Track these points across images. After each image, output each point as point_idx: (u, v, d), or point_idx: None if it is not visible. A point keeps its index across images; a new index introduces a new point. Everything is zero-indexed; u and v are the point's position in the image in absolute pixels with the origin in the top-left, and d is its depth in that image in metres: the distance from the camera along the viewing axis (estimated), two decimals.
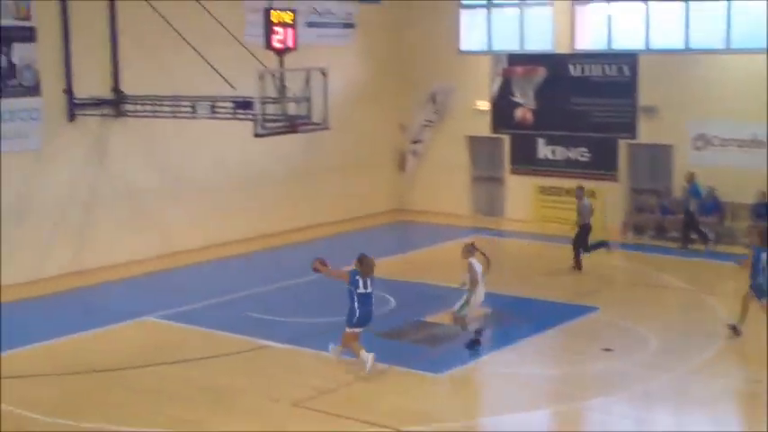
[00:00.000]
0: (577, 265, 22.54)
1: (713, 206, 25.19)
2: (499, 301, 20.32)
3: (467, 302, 16.68)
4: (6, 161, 21.29)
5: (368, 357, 15.39)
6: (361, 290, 15.58)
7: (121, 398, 14.83)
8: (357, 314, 15.56)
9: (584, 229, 22.64)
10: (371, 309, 15.78)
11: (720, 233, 25.23)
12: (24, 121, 21.65)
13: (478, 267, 16.65)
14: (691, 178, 24.83)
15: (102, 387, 15.31)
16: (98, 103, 22.79)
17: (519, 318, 19.28)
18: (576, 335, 17.92)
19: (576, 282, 21.54)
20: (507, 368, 16.03)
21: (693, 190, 24.75)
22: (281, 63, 20.32)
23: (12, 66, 21.36)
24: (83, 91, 22.48)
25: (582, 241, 22.62)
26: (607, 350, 16.67)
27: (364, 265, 15.66)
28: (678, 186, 25.69)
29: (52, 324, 18.87)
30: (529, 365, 16.23)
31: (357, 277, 15.61)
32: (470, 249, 16.88)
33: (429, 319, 18.61)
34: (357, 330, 15.72)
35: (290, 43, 20.38)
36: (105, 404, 14.61)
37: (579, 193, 22.98)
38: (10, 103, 21.33)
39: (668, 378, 15.38)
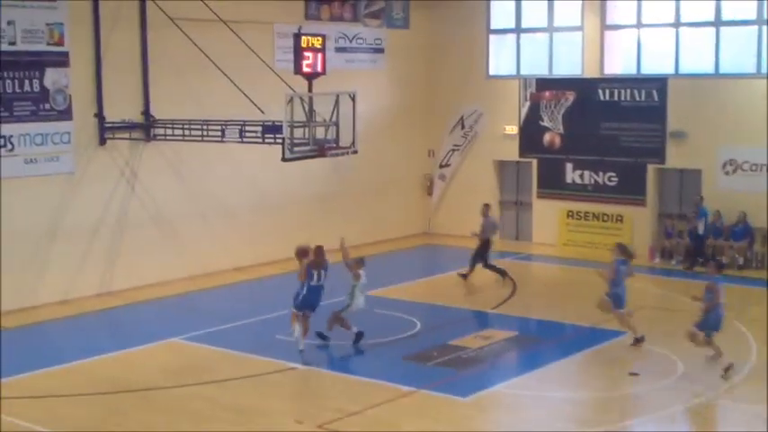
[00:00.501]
0: (465, 276, 23.76)
1: (743, 231, 25.08)
2: (526, 325, 20.42)
3: (347, 307, 18.40)
4: (39, 184, 21.55)
5: (296, 330, 17.59)
6: (313, 282, 17.58)
7: (148, 418, 14.94)
8: (300, 299, 17.63)
9: (485, 244, 23.78)
10: (318, 299, 17.79)
11: (750, 258, 25.15)
12: (56, 144, 21.91)
13: (363, 278, 18.37)
14: (699, 202, 25.32)
15: (129, 407, 15.42)
16: (128, 126, 23.06)
17: (546, 342, 19.28)
18: (603, 359, 17.86)
19: None
20: (533, 392, 16.00)
21: (701, 213, 25.09)
22: (310, 87, 20.44)
23: (44, 90, 21.64)
24: (114, 115, 22.74)
25: (480, 255, 23.69)
26: (633, 374, 16.62)
27: (316, 255, 17.76)
28: (708, 211, 25.61)
29: (81, 344, 19.05)
30: (555, 389, 16.19)
31: (312, 270, 17.57)
32: (359, 262, 18.61)
33: (455, 342, 18.60)
34: (298, 312, 17.71)
35: (319, 68, 20.49)
36: (132, 423, 14.72)
37: (485, 210, 24.22)
38: (42, 127, 21.60)
39: (695, 403, 15.31)
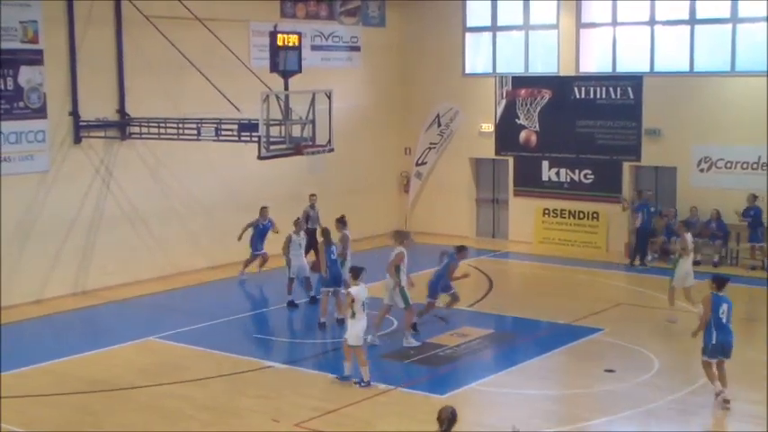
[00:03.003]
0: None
1: (717, 229, 25.16)
2: (503, 323, 20.43)
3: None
4: (13, 183, 21.40)
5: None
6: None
7: (125, 418, 14.87)
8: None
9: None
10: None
11: (724, 255, 25.28)
12: (31, 143, 21.76)
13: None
14: (639, 196, 25.92)
15: (105, 407, 15.34)
16: (104, 125, 22.93)
17: (523, 339, 19.31)
18: (580, 356, 17.90)
19: (581, 303, 21.52)
20: (510, 389, 16.03)
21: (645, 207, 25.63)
22: (286, 85, 20.41)
23: (19, 88, 21.48)
24: (89, 113, 22.62)
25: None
26: (609, 371, 16.67)
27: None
28: (682, 209, 25.74)
29: (56, 344, 18.97)
30: (532, 386, 16.21)
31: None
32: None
33: (432, 340, 18.60)
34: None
35: (295, 66, 20.47)
36: (108, 424, 14.65)
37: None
38: (17, 126, 21.44)
39: (671, 399, 15.37)
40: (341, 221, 20.72)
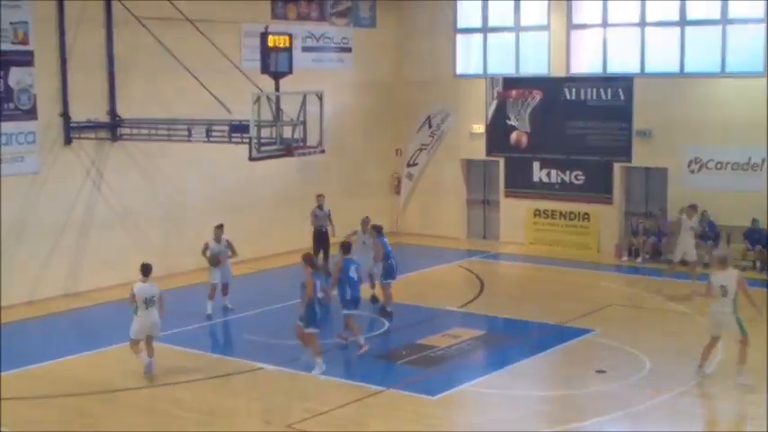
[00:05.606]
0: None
1: (708, 229, 25.20)
2: (494, 324, 20.44)
3: None
4: (4, 184, 21.34)
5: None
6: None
7: (114, 419, 14.87)
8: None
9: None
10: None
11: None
12: (21, 144, 21.71)
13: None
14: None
15: (95, 408, 15.33)
16: (94, 126, 22.90)
17: (514, 340, 19.33)
18: (572, 357, 17.93)
19: (572, 304, 21.55)
20: (502, 390, 16.04)
21: None
22: (277, 87, 20.41)
23: (9, 89, 21.44)
24: (79, 115, 22.58)
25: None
26: (600, 372, 16.69)
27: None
28: (673, 209, 25.79)
29: (48, 346, 18.91)
30: (523, 387, 16.25)
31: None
32: None
33: (423, 341, 18.61)
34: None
35: (285, 67, 20.47)
36: (98, 425, 14.63)
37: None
38: (7, 127, 21.39)
39: (662, 399, 15.40)
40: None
